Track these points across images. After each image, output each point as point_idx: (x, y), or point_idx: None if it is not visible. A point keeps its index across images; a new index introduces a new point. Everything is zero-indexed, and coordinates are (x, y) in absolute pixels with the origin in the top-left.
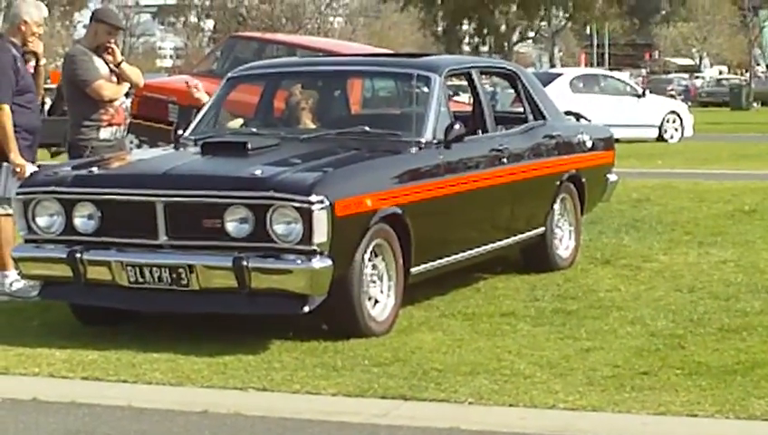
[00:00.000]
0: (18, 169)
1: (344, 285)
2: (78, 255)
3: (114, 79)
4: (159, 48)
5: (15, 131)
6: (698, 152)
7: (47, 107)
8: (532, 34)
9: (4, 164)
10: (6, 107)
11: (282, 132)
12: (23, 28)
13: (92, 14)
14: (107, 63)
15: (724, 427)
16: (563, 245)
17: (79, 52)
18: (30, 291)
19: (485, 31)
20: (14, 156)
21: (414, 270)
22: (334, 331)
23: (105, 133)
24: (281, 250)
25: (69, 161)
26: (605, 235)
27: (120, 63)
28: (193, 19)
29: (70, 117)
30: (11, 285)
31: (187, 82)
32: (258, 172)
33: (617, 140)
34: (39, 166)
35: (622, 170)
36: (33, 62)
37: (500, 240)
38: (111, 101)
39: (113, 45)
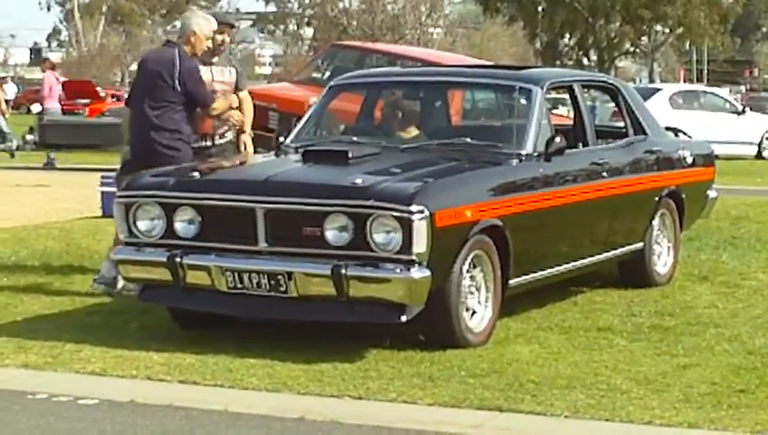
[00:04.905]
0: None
1: (442, 296)
2: (178, 259)
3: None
4: (259, 55)
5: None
6: None
7: None
8: (632, 49)
9: None
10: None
11: (382, 142)
12: (192, 39)
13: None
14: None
15: None
16: (661, 260)
17: None
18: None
19: (587, 44)
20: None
21: (512, 282)
22: (431, 341)
23: None
24: (380, 259)
25: (172, 166)
26: (703, 251)
27: None
28: (292, 27)
29: None
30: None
31: None
32: (359, 181)
33: (716, 157)
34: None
35: (721, 187)
36: None
37: (598, 254)
38: None
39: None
